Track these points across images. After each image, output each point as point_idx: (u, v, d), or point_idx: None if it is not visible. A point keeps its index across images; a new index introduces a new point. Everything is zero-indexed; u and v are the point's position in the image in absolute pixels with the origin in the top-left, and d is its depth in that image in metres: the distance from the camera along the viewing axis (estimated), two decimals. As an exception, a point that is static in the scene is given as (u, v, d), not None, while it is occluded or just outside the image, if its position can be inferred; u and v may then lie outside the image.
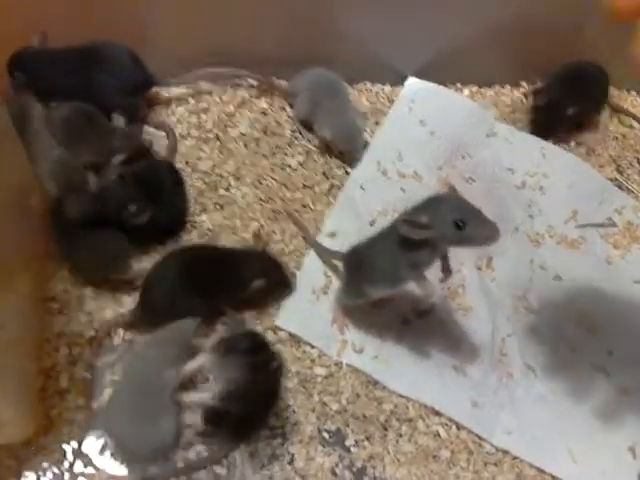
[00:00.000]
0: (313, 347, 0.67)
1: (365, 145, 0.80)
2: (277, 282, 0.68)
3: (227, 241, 0.72)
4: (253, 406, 0.58)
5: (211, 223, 0.73)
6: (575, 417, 0.65)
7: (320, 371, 0.66)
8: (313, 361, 0.67)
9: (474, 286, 0.72)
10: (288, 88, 0.83)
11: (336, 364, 0.67)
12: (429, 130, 0.82)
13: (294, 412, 0.64)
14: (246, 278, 0.65)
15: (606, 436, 0.65)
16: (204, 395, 0.58)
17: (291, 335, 0.67)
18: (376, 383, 0.66)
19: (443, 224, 0.52)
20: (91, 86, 0.74)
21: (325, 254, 0.71)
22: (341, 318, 0.69)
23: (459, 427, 0.64)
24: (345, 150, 0.78)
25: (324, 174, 0.79)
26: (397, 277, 0.59)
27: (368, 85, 0.87)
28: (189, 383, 0.61)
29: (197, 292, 0.63)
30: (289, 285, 0.69)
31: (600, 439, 0.65)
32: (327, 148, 0.79)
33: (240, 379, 0.56)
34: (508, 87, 0.90)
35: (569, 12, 0.76)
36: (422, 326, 0.69)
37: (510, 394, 0.66)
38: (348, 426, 0.64)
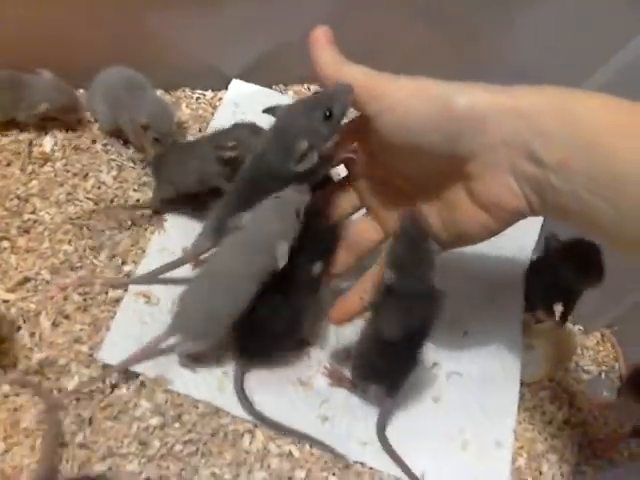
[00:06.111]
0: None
1: None
2: None
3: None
4: None
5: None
6: (428, 417, 0.63)
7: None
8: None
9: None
10: (85, 100, 0.74)
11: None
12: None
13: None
14: None
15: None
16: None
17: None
18: (217, 410, 0.59)
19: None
20: None
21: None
22: None
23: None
24: (163, 132, 0.68)
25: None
26: None
27: (188, 92, 0.81)
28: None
29: None
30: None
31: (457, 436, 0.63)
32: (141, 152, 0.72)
33: None
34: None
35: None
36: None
37: (362, 403, 0.62)
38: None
